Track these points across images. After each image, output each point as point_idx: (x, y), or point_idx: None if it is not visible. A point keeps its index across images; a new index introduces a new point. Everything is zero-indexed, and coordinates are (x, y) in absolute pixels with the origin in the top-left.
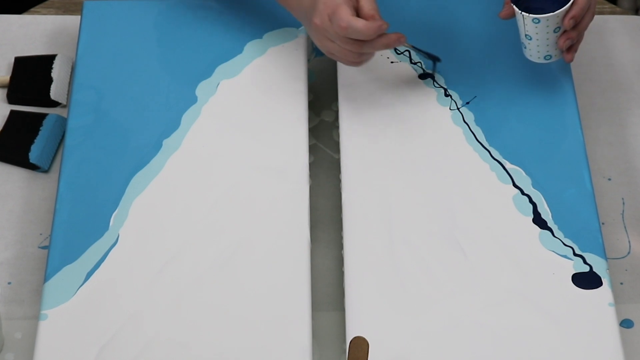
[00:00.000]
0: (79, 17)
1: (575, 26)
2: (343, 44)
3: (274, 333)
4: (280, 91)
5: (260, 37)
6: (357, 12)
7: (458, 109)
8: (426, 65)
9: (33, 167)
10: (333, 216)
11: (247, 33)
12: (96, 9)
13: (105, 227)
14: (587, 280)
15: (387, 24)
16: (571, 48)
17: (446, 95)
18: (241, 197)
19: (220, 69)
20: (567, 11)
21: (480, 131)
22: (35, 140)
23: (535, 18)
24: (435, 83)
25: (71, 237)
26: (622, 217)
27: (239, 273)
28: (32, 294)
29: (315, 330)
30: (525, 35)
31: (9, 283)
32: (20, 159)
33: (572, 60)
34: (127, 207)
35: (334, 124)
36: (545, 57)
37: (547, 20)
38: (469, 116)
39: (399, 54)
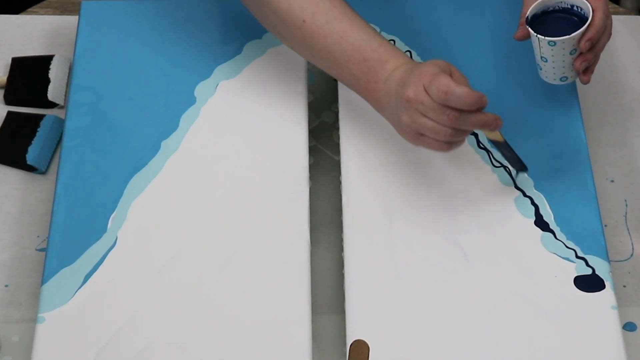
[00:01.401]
0: (77, 17)
1: (591, 48)
2: (438, 116)
3: (274, 336)
4: (280, 92)
5: (260, 38)
6: None
7: None
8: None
9: (30, 169)
10: (333, 218)
11: (247, 33)
12: (94, 9)
13: (103, 229)
14: (589, 282)
15: (487, 98)
16: (587, 69)
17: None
18: (240, 199)
19: (219, 70)
20: (584, 33)
21: (481, 132)
22: (32, 142)
23: (551, 41)
24: None
25: (69, 239)
26: (625, 219)
27: (238, 275)
28: (29, 297)
29: (315, 334)
30: (541, 57)
31: (6, 286)
32: (18, 161)
33: (588, 81)
34: (125, 208)
35: (334, 125)
36: (561, 79)
37: (563, 42)
38: None
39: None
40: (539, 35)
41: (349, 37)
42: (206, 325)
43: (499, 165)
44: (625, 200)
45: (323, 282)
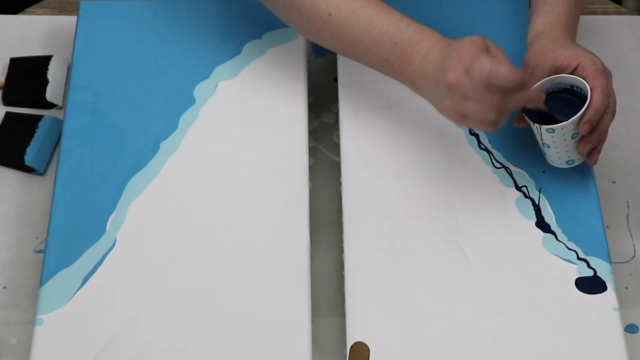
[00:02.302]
0: (75, 17)
1: (593, 129)
2: (482, 97)
3: (274, 338)
4: (280, 92)
5: (260, 38)
6: None
7: None
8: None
9: (28, 170)
10: (333, 219)
11: (246, 33)
12: (92, 9)
13: (102, 230)
14: (591, 284)
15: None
16: (593, 150)
17: None
18: (240, 200)
19: (219, 70)
20: (582, 115)
21: (483, 133)
22: (30, 143)
23: (550, 128)
24: None
25: (67, 240)
26: (627, 221)
27: (238, 277)
28: (27, 299)
29: (315, 336)
30: (543, 144)
31: (5, 287)
32: (16, 162)
33: (595, 163)
34: (124, 210)
35: (334, 126)
36: (567, 162)
37: (562, 128)
38: None
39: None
40: (536, 124)
41: (377, 23)
42: (206, 327)
43: (500, 166)
44: (627, 202)
45: (323, 284)
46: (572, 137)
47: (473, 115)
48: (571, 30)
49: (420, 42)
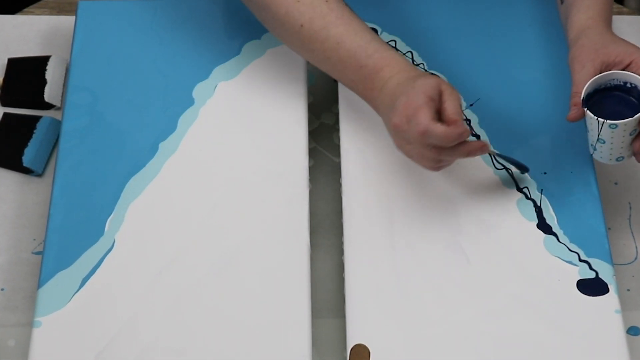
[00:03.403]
0: (74, 17)
1: None
2: (421, 148)
3: (273, 340)
4: (279, 93)
5: (259, 38)
6: (440, 115)
7: None
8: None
9: (26, 171)
10: (333, 221)
11: (246, 34)
12: (91, 9)
13: (100, 232)
14: (593, 286)
15: (469, 130)
16: None
17: None
18: (239, 202)
19: (218, 71)
20: None
21: (484, 133)
22: (28, 144)
23: (613, 123)
24: None
25: (66, 242)
26: (629, 222)
27: (237, 279)
28: (25, 301)
29: (315, 338)
30: (599, 139)
31: (2, 289)
32: (14, 163)
33: None
34: (122, 211)
35: (334, 127)
36: (617, 159)
37: (625, 125)
38: (473, 118)
39: (498, 169)
40: (599, 119)
41: (345, 42)
42: (205, 330)
43: (501, 167)
44: (629, 203)
45: (323, 286)
46: (630, 134)
47: (415, 158)
48: (610, 25)
49: (383, 69)
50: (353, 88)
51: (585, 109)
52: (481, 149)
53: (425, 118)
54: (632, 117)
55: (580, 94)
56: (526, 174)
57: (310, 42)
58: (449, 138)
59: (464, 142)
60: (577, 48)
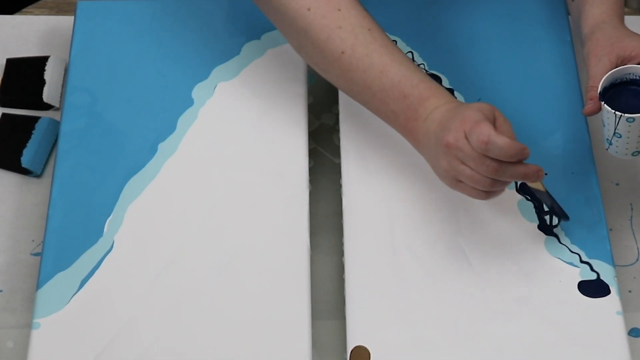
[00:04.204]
0: (73, 17)
1: None
2: (477, 166)
3: (273, 342)
4: (279, 93)
5: (259, 38)
6: None
7: None
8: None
9: (25, 172)
10: (333, 222)
11: (245, 34)
12: (90, 9)
13: (99, 233)
14: (594, 288)
15: (529, 150)
16: None
17: None
18: (239, 203)
19: (217, 71)
20: None
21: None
22: (27, 144)
23: (631, 117)
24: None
25: (64, 243)
26: (631, 223)
27: (237, 280)
28: (24, 302)
29: (315, 340)
30: (615, 133)
31: (1, 291)
32: (12, 164)
33: None
34: (122, 212)
35: (335, 128)
36: (633, 154)
37: None
38: None
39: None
40: (616, 112)
41: (389, 71)
42: (204, 331)
43: None
44: (631, 204)
45: (323, 287)
46: None
47: (467, 181)
48: (623, 19)
49: (429, 99)
50: (392, 119)
51: (603, 103)
52: (537, 174)
53: (488, 128)
54: None
55: (597, 87)
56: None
57: (350, 70)
58: (512, 150)
59: (522, 163)
60: (593, 42)
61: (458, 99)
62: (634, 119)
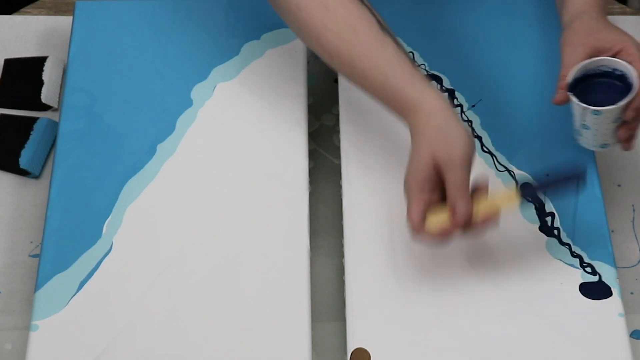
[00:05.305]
0: (71, 17)
1: (636, 117)
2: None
3: (273, 344)
4: (279, 94)
5: (258, 39)
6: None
7: (463, 112)
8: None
9: (23, 173)
10: (333, 223)
11: (245, 34)
12: (88, 10)
13: (98, 234)
14: (596, 289)
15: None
16: (630, 137)
17: (450, 98)
18: (239, 204)
19: (217, 71)
20: (630, 102)
21: (486, 135)
22: (25, 145)
23: (596, 110)
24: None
25: (63, 245)
26: (632, 225)
27: (237, 282)
28: (22, 304)
29: (315, 342)
30: (582, 124)
31: None
32: (10, 165)
33: (631, 149)
34: (120, 214)
35: (335, 128)
36: (601, 146)
37: (609, 112)
38: (475, 120)
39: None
40: (583, 105)
41: (369, 76)
42: (203, 334)
43: (503, 169)
44: (633, 206)
45: (323, 289)
46: (614, 122)
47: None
48: (605, 12)
49: (408, 115)
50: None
51: (570, 95)
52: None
53: (413, 217)
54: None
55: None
56: (528, 176)
57: (341, 71)
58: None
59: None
60: (570, 31)
61: (458, 99)
62: (600, 111)
